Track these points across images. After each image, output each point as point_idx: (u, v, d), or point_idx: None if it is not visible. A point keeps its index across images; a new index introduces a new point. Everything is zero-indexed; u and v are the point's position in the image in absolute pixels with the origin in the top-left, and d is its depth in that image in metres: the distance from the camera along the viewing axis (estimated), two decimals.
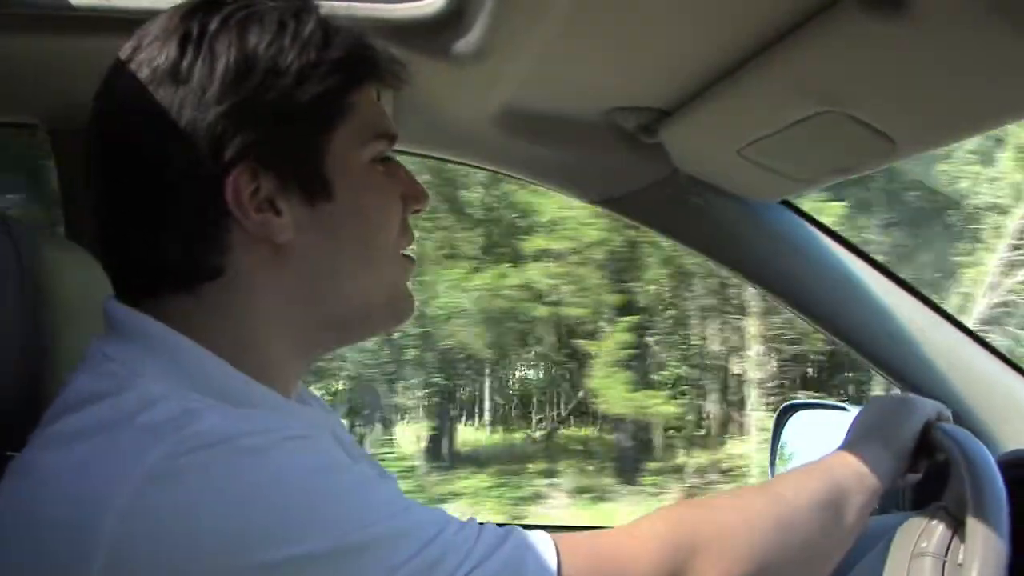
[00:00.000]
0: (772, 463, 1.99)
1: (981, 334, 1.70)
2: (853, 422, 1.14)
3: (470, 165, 1.75)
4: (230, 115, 0.81)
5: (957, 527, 1.07)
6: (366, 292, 0.91)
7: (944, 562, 1.06)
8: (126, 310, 0.85)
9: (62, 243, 1.16)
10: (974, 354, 1.67)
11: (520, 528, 0.83)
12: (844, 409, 1.99)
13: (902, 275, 1.70)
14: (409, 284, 0.96)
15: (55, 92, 1.46)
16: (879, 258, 1.70)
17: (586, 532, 0.88)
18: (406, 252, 0.96)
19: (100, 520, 0.69)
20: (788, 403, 2.03)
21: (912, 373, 1.69)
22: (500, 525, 0.83)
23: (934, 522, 1.10)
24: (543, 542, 0.81)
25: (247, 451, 0.73)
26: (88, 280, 1.03)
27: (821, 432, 1.97)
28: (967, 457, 1.05)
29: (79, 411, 0.77)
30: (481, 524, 0.82)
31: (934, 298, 1.71)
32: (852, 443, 1.09)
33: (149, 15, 0.88)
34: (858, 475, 1.02)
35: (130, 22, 0.88)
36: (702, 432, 12.29)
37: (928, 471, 1.16)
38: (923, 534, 1.09)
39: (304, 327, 0.89)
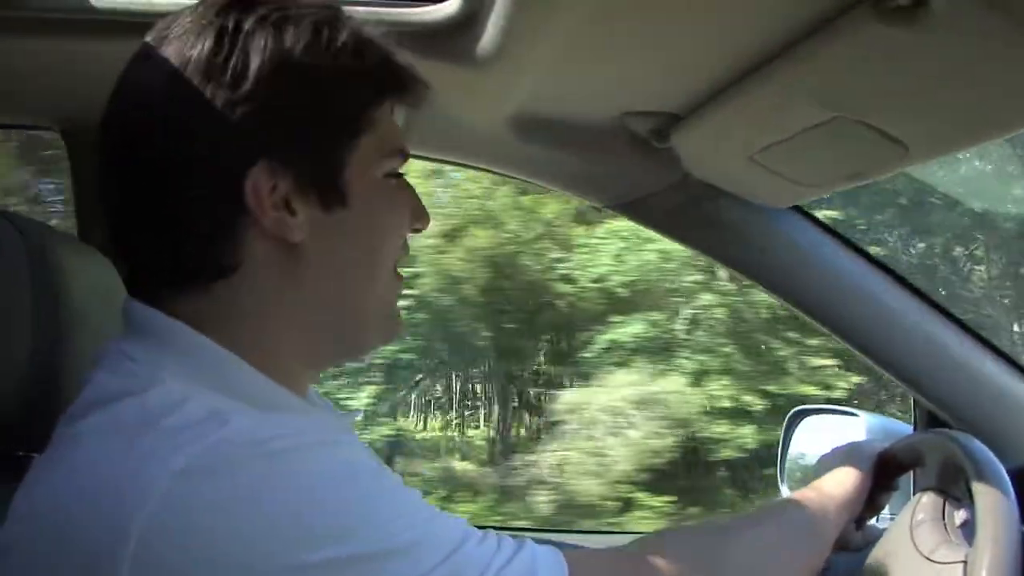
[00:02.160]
0: (782, 466, 1.99)
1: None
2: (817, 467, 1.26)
3: (483, 169, 1.76)
4: (259, 113, 0.81)
5: (947, 496, 1.13)
6: (365, 303, 0.91)
7: (944, 524, 1.10)
8: (145, 308, 0.85)
9: (73, 243, 1.17)
10: (984, 360, 1.66)
11: (531, 541, 0.84)
12: (853, 414, 1.99)
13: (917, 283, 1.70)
14: (398, 300, 0.97)
15: (69, 94, 1.47)
16: (891, 264, 1.69)
17: (599, 549, 0.90)
18: (398, 270, 0.96)
19: (130, 520, 0.69)
20: (798, 408, 2.03)
21: (923, 378, 1.69)
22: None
23: (924, 499, 1.13)
24: (554, 557, 0.83)
25: (278, 454, 0.74)
26: (99, 280, 1.04)
27: (830, 436, 1.98)
28: (924, 440, 1.18)
29: (103, 409, 0.77)
30: (499, 535, 0.82)
31: (946, 304, 1.70)
32: (814, 487, 1.17)
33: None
34: (821, 511, 1.11)
35: (146, 25, 0.88)
36: None
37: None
38: (917, 509, 1.12)
39: (310, 333, 0.89)
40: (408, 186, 0.95)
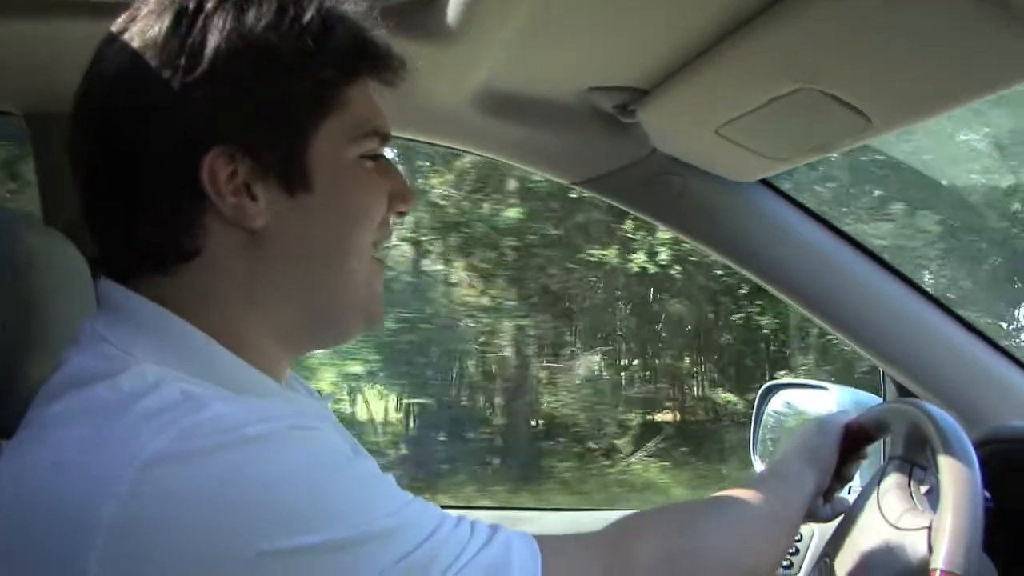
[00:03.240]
0: (754, 440, 2.01)
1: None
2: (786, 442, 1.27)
3: (449, 147, 1.75)
4: (216, 95, 0.80)
5: (913, 464, 1.14)
6: (339, 288, 0.90)
7: (910, 492, 1.11)
8: (120, 289, 0.84)
9: (39, 228, 1.16)
10: (953, 332, 1.68)
11: (504, 527, 0.83)
12: (824, 388, 2.01)
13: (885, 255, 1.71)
14: (380, 287, 0.95)
15: (31, 78, 1.45)
16: (857, 237, 1.71)
17: (573, 535, 0.90)
18: (376, 255, 0.94)
19: (100, 506, 0.68)
20: (770, 383, 2.05)
21: (890, 350, 1.71)
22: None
23: (890, 468, 1.15)
24: (527, 542, 0.82)
25: (252, 440, 0.73)
26: (63, 263, 1.03)
27: (803, 410, 2.00)
28: (891, 410, 1.18)
29: (76, 391, 0.76)
30: (472, 520, 0.82)
31: (914, 276, 1.72)
32: (781, 461, 1.16)
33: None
34: (789, 487, 1.11)
35: (109, 6, 0.86)
36: None
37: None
38: (884, 478, 1.13)
39: (281, 318, 0.88)
40: (390, 167, 0.93)
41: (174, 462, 0.70)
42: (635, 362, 7.97)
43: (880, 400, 1.86)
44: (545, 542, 0.83)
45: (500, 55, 1.30)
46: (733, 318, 7.61)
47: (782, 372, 7.38)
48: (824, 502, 1.23)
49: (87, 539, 0.68)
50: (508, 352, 7.21)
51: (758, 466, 1.98)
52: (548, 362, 7.41)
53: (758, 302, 7.21)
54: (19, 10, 1.25)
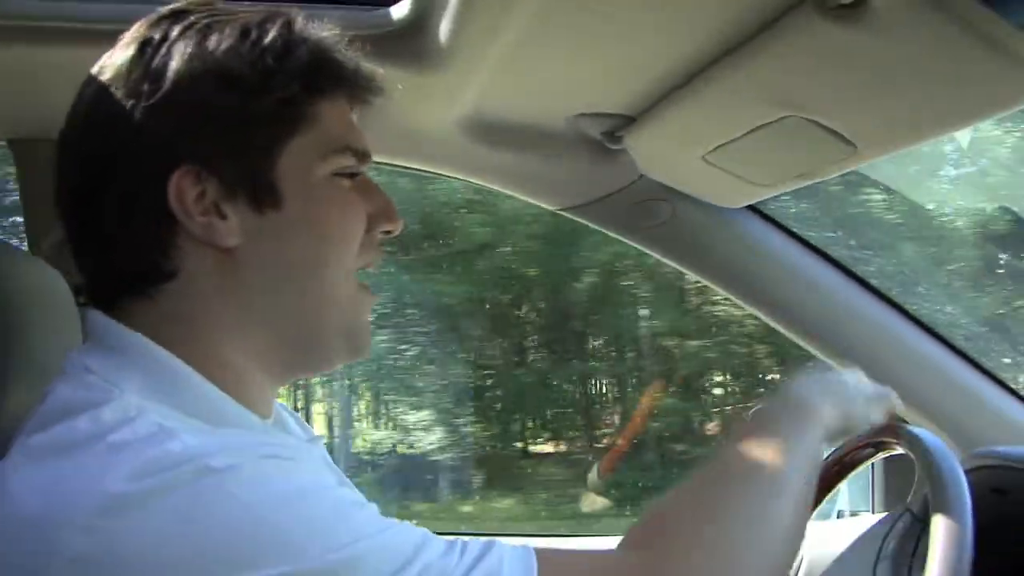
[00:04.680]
0: None
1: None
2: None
3: (436, 174, 1.75)
4: (178, 118, 0.82)
5: (922, 530, 1.07)
6: (316, 309, 0.88)
7: (909, 567, 1.06)
8: (104, 319, 0.85)
9: (19, 254, 1.15)
10: (941, 356, 1.69)
11: (500, 542, 0.81)
12: None
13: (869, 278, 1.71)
14: (367, 314, 0.93)
15: (15, 104, 1.44)
16: (844, 261, 1.71)
17: (576, 551, 0.86)
18: (362, 281, 0.93)
19: (59, 538, 0.68)
20: (758, 408, 2.04)
21: (880, 374, 1.70)
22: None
23: (899, 525, 1.11)
24: (523, 557, 0.80)
25: (216, 471, 0.71)
26: (46, 291, 1.02)
27: None
28: (930, 459, 1.05)
29: (57, 424, 0.75)
30: (465, 541, 0.80)
31: (900, 300, 1.72)
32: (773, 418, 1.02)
33: (113, 26, 0.87)
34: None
35: (96, 33, 0.87)
36: None
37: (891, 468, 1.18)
38: (888, 538, 1.10)
39: (260, 341, 0.88)
40: (370, 186, 0.92)
41: (133, 495, 0.69)
42: None
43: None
44: (546, 557, 0.80)
45: (487, 82, 1.30)
46: None
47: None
48: None
49: (46, 571, 0.68)
50: None
51: None
52: None
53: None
54: (4, 37, 1.25)
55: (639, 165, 1.55)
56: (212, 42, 0.83)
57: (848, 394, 1.09)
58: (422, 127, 1.50)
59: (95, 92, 0.85)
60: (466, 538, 0.80)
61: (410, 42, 1.23)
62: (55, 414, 0.77)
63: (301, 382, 6.47)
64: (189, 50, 0.82)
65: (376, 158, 1.61)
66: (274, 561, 0.70)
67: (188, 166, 0.82)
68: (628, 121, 1.41)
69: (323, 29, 0.88)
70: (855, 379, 1.13)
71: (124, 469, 0.70)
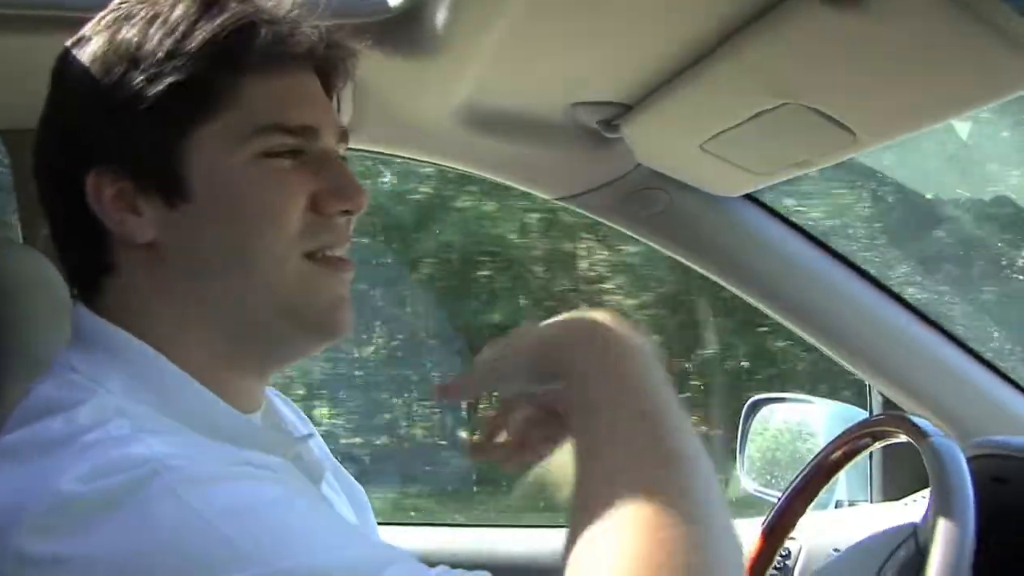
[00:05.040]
0: (741, 456, 2.00)
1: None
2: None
3: (433, 163, 1.74)
4: (93, 114, 0.81)
5: (922, 563, 1.00)
6: (250, 297, 0.83)
7: None
8: (90, 317, 0.84)
9: (17, 246, 1.15)
10: (938, 344, 1.68)
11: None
12: (809, 401, 2.01)
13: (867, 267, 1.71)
14: (327, 291, 0.86)
15: (6, 93, 1.44)
16: (841, 251, 1.71)
17: None
18: (335, 254, 0.87)
19: (10, 537, 0.67)
20: (755, 398, 2.04)
21: (878, 364, 1.71)
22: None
23: (900, 553, 1.09)
24: None
25: (170, 473, 0.68)
26: (40, 282, 1.02)
27: (788, 425, 2.00)
28: (944, 481, 1.01)
29: (34, 422, 0.74)
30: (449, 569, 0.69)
31: (897, 289, 1.72)
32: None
33: (96, 11, 0.86)
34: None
35: (77, 21, 0.86)
36: None
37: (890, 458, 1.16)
38: (888, 564, 1.09)
39: (204, 333, 0.84)
40: (321, 162, 0.85)
41: (82, 497, 0.67)
42: None
43: (866, 414, 1.86)
44: None
45: (483, 71, 1.29)
46: None
47: None
48: None
49: None
50: None
51: (745, 484, 1.98)
52: None
53: None
54: None
55: (636, 154, 1.54)
56: (124, 30, 0.81)
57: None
58: (418, 116, 1.49)
59: (50, 88, 0.85)
60: (457, 570, 0.69)
61: (406, 29, 1.22)
62: (34, 412, 0.76)
63: None
64: (103, 44, 0.81)
65: (374, 148, 1.61)
66: (220, 570, 0.65)
67: (105, 165, 0.81)
68: (625, 109, 1.40)
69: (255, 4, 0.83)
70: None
71: (81, 469, 0.68)
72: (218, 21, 0.80)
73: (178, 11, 0.81)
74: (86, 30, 0.84)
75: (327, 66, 0.88)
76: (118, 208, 0.82)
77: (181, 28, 0.80)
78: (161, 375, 0.81)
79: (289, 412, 1.03)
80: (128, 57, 0.80)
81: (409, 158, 1.72)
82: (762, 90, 1.16)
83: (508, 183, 1.73)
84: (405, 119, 1.50)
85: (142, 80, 0.79)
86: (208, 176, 0.82)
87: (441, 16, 1.15)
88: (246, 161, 0.82)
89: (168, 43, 0.80)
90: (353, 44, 0.89)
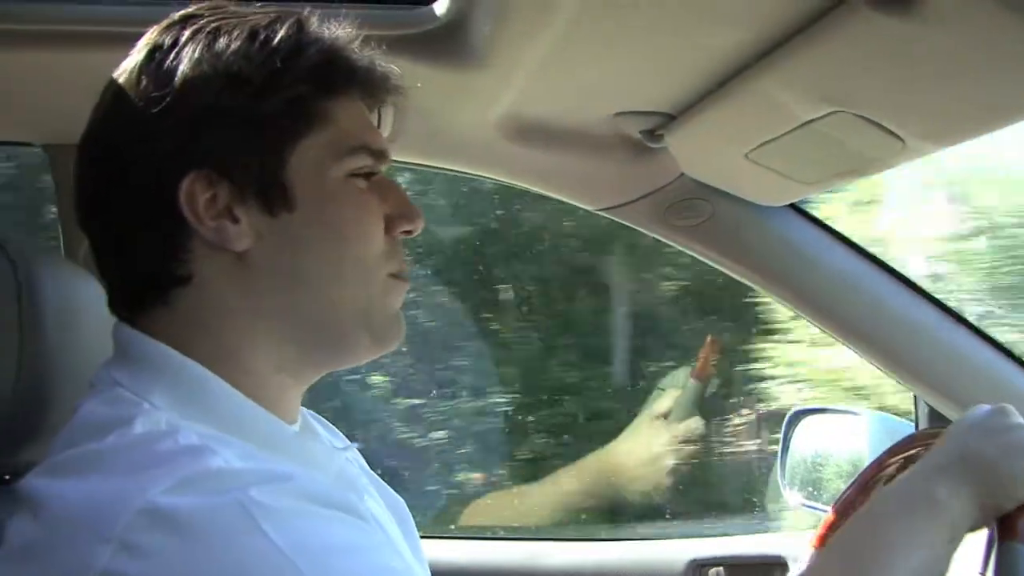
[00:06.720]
0: (782, 469, 1.97)
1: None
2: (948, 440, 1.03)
3: (475, 175, 1.74)
4: (187, 122, 0.82)
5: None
6: (335, 308, 0.87)
7: None
8: (132, 332, 0.84)
9: (58, 261, 1.15)
10: (990, 356, 1.66)
11: None
12: (855, 413, 1.98)
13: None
14: (395, 306, 0.92)
15: (51, 109, 1.45)
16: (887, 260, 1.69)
17: None
18: (395, 273, 0.91)
19: (94, 552, 0.67)
20: (797, 409, 2.01)
21: (925, 376, 1.68)
22: None
23: None
24: None
25: (256, 504, 0.70)
26: (83, 297, 1.02)
27: (831, 437, 1.96)
28: None
29: (88, 440, 0.75)
30: None
31: (943, 298, 1.70)
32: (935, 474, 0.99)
33: (143, 29, 0.88)
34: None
35: (127, 36, 0.87)
36: None
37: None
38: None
39: (281, 341, 0.86)
40: (388, 187, 0.91)
41: (171, 510, 0.68)
42: None
43: (913, 427, 1.83)
44: None
45: (526, 82, 1.29)
46: None
47: None
48: None
49: None
50: None
51: (787, 497, 1.95)
52: None
53: None
54: (37, 42, 1.26)
55: (679, 164, 1.53)
56: (220, 45, 0.83)
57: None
58: (461, 128, 1.49)
59: (109, 98, 0.86)
60: None
61: (448, 42, 1.22)
62: (85, 431, 0.77)
63: None
64: (197, 54, 0.82)
65: (416, 160, 1.61)
66: None
67: (199, 170, 0.82)
68: (668, 119, 1.40)
69: (337, 28, 0.88)
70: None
71: (165, 482, 0.69)
72: (318, 47, 0.85)
73: (280, 33, 0.84)
74: (164, 39, 0.84)
75: (385, 94, 0.92)
76: (213, 215, 0.82)
77: (284, 49, 0.83)
78: (204, 387, 0.82)
79: (321, 427, 1.03)
80: (230, 71, 0.82)
81: (449, 170, 1.72)
82: (811, 98, 1.15)
83: (549, 194, 1.72)
84: (448, 131, 1.50)
85: (248, 94, 0.82)
86: (309, 189, 0.85)
87: (487, 27, 1.15)
88: (338, 179, 0.86)
89: (274, 63, 0.83)
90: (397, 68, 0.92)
